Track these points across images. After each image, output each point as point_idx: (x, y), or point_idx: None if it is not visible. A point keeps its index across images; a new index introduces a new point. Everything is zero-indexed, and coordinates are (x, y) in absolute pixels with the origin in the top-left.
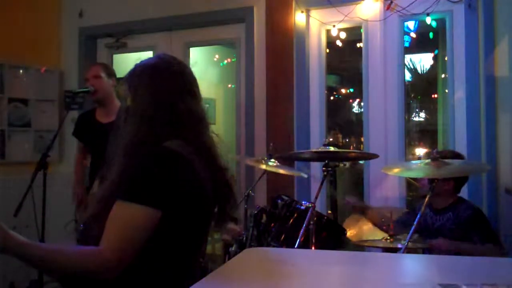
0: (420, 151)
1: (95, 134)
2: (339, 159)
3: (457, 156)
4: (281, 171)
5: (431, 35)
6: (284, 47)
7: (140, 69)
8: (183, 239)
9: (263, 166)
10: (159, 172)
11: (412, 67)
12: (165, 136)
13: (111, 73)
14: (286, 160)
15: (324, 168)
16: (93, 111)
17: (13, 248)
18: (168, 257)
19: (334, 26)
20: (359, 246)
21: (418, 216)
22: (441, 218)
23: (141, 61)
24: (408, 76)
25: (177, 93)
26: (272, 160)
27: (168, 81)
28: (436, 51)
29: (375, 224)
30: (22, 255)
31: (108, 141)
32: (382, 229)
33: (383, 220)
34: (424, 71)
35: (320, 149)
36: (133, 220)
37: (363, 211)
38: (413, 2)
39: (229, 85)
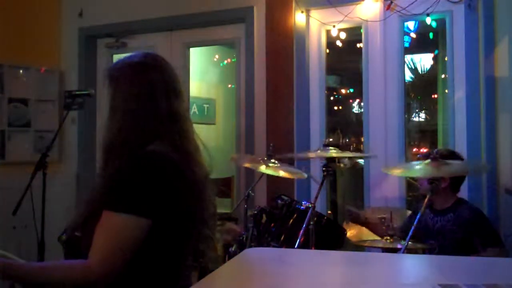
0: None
1: None
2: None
3: (453, 154)
4: (280, 173)
5: (431, 35)
6: (284, 47)
7: (122, 63)
8: (173, 245)
9: (261, 169)
10: (148, 179)
11: (412, 67)
12: (151, 134)
13: None
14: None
15: (324, 169)
16: None
17: (11, 276)
18: (159, 263)
19: (334, 26)
20: (359, 246)
21: (418, 216)
22: (442, 219)
23: (124, 57)
24: (408, 76)
25: (159, 89)
26: (272, 160)
27: (151, 75)
28: (436, 51)
29: (377, 233)
30: (18, 279)
31: None
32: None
33: (384, 227)
34: (424, 71)
35: (319, 153)
36: (122, 231)
37: (363, 222)
38: (413, 2)
39: (229, 85)
